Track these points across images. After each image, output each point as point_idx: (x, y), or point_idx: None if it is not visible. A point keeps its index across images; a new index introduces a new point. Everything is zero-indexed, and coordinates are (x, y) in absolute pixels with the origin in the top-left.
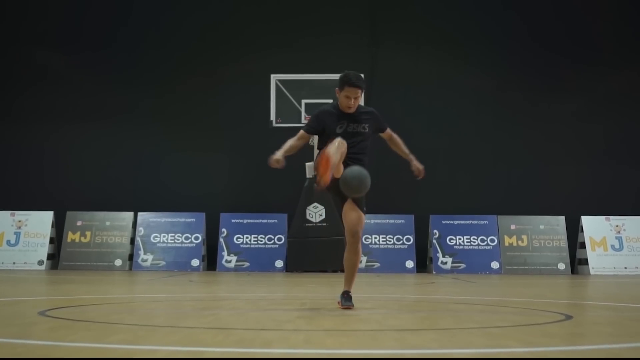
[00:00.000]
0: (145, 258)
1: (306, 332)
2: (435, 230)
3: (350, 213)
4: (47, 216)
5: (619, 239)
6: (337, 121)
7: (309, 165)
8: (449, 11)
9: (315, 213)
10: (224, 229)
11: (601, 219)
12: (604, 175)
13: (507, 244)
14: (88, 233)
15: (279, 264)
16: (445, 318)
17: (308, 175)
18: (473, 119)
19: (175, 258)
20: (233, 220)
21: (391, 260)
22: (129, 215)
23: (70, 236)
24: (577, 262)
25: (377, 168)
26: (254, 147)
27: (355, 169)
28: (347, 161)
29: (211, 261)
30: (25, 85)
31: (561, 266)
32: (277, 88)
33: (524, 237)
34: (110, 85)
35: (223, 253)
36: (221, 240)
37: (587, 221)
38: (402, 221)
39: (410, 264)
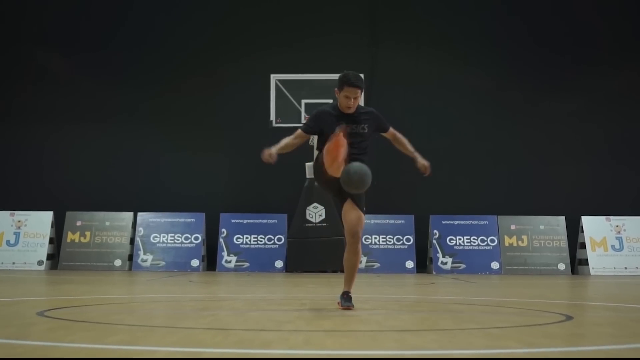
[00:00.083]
0: (145, 258)
1: (306, 333)
2: (435, 231)
3: (350, 213)
4: (47, 216)
5: (619, 239)
6: (335, 122)
7: (308, 165)
8: (449, 11)
9: (315, 213)
10: (223, 229)
11: (601, 219)
12: (604, 175)
13: (507, 244)
14: (88, 233)
15: (279, 264)
16: (445, 319)
17: (308, 176)
18: (473, 119)
19: (175, 258)
20: (233, 221)
21: (391, 260)
22: (129, 215)
23: (69, 236)
24: (577, 263)
25: (377, 168)
26: (253, 147)
27: (357, 165)
28: (347, 161)
29: (211, 261)
30: (25, 85)
31: (561, 266)
32: (277, 88)
33: (524, 237)
34: (110, 85)
35: (223, 253)
36: (221, 240)
37: (587, 221)
38: (402, 221)
39: (410, 264)
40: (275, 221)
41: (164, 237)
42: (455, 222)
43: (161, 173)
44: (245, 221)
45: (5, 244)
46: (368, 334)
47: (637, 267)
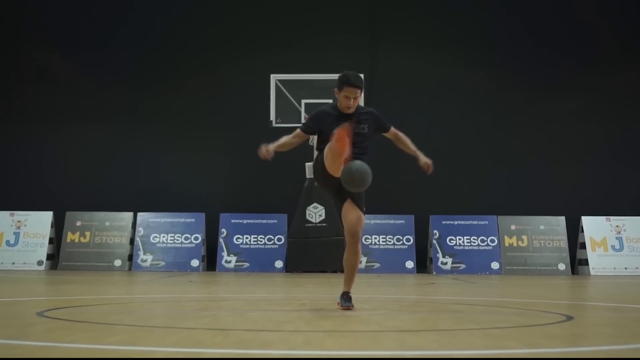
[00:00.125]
0: (145, 258)
1: (306, 333)
2: (435, 231)
3: (350, 213)
4: (47, 216)
5: (620, 239)
6: (335, 122)
7: (308, 165)
8: (449, 11)
9: (315, 213)
10: (223, 229)
11: (601, 219)
12: (604, 175)
13: (507, 244)
14: (87, 233)
15: (279, 264)
16: (445, 319)
17: (308, 176)
18: (473, 119)
19: (175, 258)
20: (233, 221)
21: (391, 260)
22: (129, 215)
23: (69, 236)
24: (577, 263)
25: (377, 168)
26: (253, 147)
27: (357, 163)
28: (348, 160)
29: (211, 261)
30: (25, 85)
31: (561, 267)
32: (277, 88)
33: (524, 237)
34: (110, 85)
35: (223, 253)
36: (221, 240)
37: (587, 221)
38: (402, 221)
39: (410, 264)
40: (275, 221)
41: (163, 237)
42: (455, 222)
43: (161, 173)
44: (245, 221)
45: (5, 244)
46: (368, 334)
47: (637, 267)
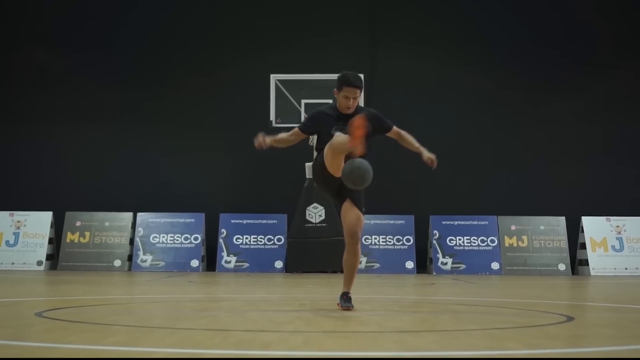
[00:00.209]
0: (145, 259)
1: (305, 334)
2: (435, 231)
3: (349, 214)
4: (46, 216)
5: (620, 239)
6: (333, 122)
7: (308, 165)
8: (449, 11)
9: (315, 213)
10: (223, 230)
11: (602, 219)
12: (605, 175)
13: (507, 244)
14: (87, 233)
15: (279, 264)
16: (445, 319)
17: (308, 176)
18: (473, 119)
19: (175, 259)
20: (232, 221)
21: (391, 261)
22: (128, 215)
23: (69, 236)
24: (577, 263)
25: (377, 168)
26: (253, 147)
27: (358, 160)
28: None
29: (210, 262)
30: (25, 85)
31: (561, 267)
32: (277, 88)
33: (524, 237)
34: (110, 85)
35: (222, 253)
36: (220, 240)
37: (587, 222)
38: (402, 222)
39: (410, 264)
40: (275, 221)
41: (163, 237)
42: (456, 223)
43: (161, 173)
44: (245, 221)
45: (5, 244)
46: (368, 335)
47: (637, 268)
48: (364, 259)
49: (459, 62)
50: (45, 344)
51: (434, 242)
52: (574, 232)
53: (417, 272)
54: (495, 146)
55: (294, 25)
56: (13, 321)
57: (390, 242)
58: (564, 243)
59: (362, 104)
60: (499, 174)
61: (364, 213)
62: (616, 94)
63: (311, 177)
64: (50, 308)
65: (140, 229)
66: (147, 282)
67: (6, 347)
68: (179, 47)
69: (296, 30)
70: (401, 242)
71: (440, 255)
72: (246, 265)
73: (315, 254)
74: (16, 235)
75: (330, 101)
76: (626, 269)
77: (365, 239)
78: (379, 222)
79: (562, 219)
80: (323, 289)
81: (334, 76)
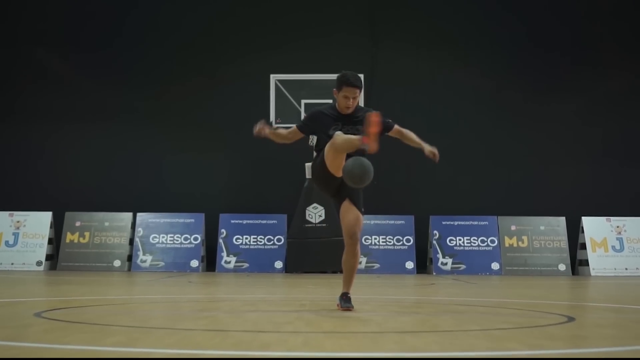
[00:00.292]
0: (144, 259)
1: (305, 335)
2: (435, 231)
3: (348, 214)
4: (46, 217)
5: (620, 239)
6: (331, 123)
7: (308, 165)
8: (448, 11)
9: (315, 214)
10: (223, 230)
11: (602, 219)
12: (605, 175)
13: (507, 244)
14: (87, 234)
15: (279, 264)
16: (446, 320)
17: (308, 176)
18: (473, 119)
19: (175, 259)
20: (232, 221)
21: (391, 261)
22: (128, 215)
23: (68, 237)
24: (577, 263)
25: (376, 169)
26: (253, 147)
27: (359, 159)
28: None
29: (210, 262)
30: (24, 85)
31: (562, 267)
32: (277, 88)
33: (525, 238)
34: (110, 85)
35: (222, 254)
36: (220, 241)
37: (587, 222)
38: (402, 222)
39: (410, 265)
40: (274, 222)
41: (163, 237)
42: (456, 223)
43: (160, 173)
44: (244, 222)
45: (4, 245)
46: (368, 335)
47: (637, 268)
48: (363, 259)
49: (459, 62)
50: (43, 344)
51: (434, 242)
52: (574, 232)
53: (417, 273)
54: (496, 146)
55: (294, 25)
56: (12, 321)
57: (390, 242)
58: (564, 243)
59: (362, 104)
60: (499, 174)
61: (363, 213)
62: (616, 94)
63: (311, 177)
64: (49, 308)
65: (140, 229)
66: (146, 282)
67: (5, 348)
68: (178, 47)
69: (296, 30)
70: (401, 242)
71: (440, 255)
72: (246, 265)
73: (315, 254)
74: (16, 235)
75: (330, 101)
76: (626, 269)
77: (365, 239)
78: (379, 222)
79: (562, 219)
80: (323, 289)
81: (334, 76)
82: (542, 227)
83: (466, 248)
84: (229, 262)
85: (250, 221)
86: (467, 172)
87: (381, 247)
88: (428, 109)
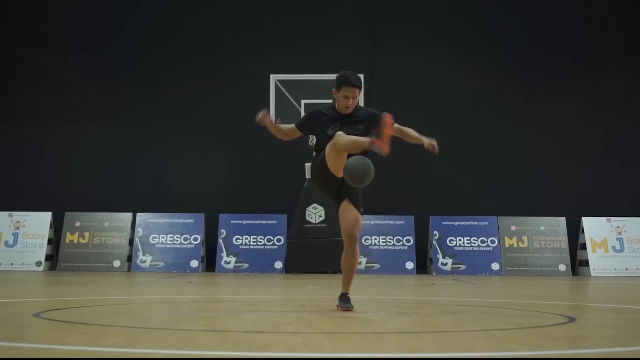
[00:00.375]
0: (144, 259)
1: (305, 335)
2: (435, 232)
3: (347, 214)
4: (46, 217)
5: (620, 240)
6: (330, 123)
7: (308, 166)
8: (449, 11)
9: (315, 214)
10: (223, 230)
11: (602, 220)
12: (605, 175)
13: (507, 245)
14: (86, 234)
15: (279, 265)
16: (446, 320)
17: (308, 176)
18: (473, 119)
19: (174, 259)
20: (232, 221)
21: (391, 261)
22: (128, 216)
23: (68, 237)
24: (577, 264)
25: (376, 169)
26: (253, 147)
27: (359, 158)
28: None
29: (210, 262)
30: (24, 85)
31: (562, 267)
32: (277, 88)
33: (525, 238)
34: (110, 85)
35: (222, 254)
36: (220, 241)
37: (587, 222)
38: (402, 222)
39: (410, 265)
40: (274, 222)
41: (163, 237)
42: (456, 223)
43: (160, 173)
44: (244, 222)
45: (4, 245)
46: (368, 336)
47: (637, 268)
48: (363, 260)
49: (459, 62)
50: (42, 345)
51: (434, 242)
52: (575, 232)
53: (417, 273)
54: (496, 146)
55: (294, 25)
56: (10, 322)
57: (390, 242)
58: (564, 243)
59: (362, 104)
60: (499, 174)
61: (362, 213)
62: (616, 94)
63: (310, 177)
64: (49, 309)
65: (139, 229)
66: (146, 282)
67: (3, 349)
68: (178, 47)
69: (296, 31)
70: (401, 242)
71: (440, 255)
72: (246, 265)
73: (315, 254)
74: (15, 235)
75: (330, 101)
76: (627, 269)
77: (365, 240)
78: (378, 222)
79: (563, 219)
80: (323, 289)
81: (334, 76)
82: (542, 228)
83: (466, 248)
84: (229, 263)
85: (250, 221)
86: (467, 172)
87: (381, 248)
88: (428, 109)
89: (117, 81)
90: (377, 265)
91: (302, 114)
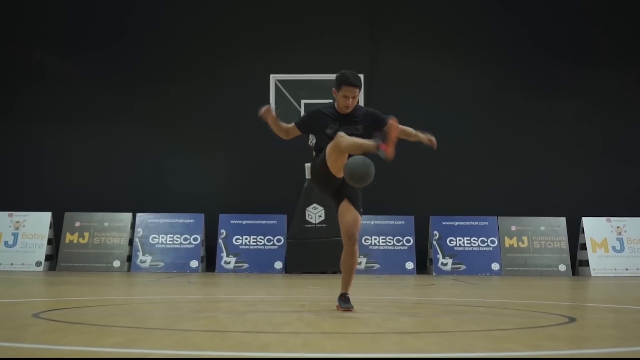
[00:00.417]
0: (144, 259)
1: (305, 335)
2: (435, 232)
3: (346, 215)
4: (45, 217)
5: (620, 240)
6: (329, 122)
7: (308, 166)
8: (449, 11)
9: (315, 214)
10: (222, 230)
11: (602, 220)
12: (605, 176)
13: (507, 245)
14: (86, 234)
15: (278, 265)
16: (446, 320)
17: (308, 176)
18: (473, 120)
19: (174, 259)
20: (232, 221)
21: (391, 261)
22: (128, 216)
23: (68, 237)
24: (578, 264)
25: (376, 169)
26: (253, 147)
27: (360, 158)
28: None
29: (210, 262)
30: (24, 85)
31: (562, 267)
32: (277, 88)
33: (525, 238)
34: (109, 85)
35: (222, 254)
36: (220, 241)
37: (588, 222)
38: (402, 222)
39: (410, 265)
40: (274, 222)
41: (162, 238)
42: (456, 223)
43: (160, 174)
44: (244, 222)
45: (4, 245)
46: (368, 336)
47: (638, 269)
48: (363, 260)
49: (459, 62)
50: (41, 345)
51: (434, 242)
52: (575, 232)
53: (417, 273)
54: (496, 147)
55: (294, 25)
56: (9, 322)
57: (390, 242)
58: (564, 244)
59: (362, 104)
60: (499, 174)
61: (362, 214)
62: (616, 95)
63: (310, 177)
64: (48, 309)
65: (139, 229)
66: (146, 282)
67: (2, 349)
68: (178, 48)
69: (296, 31)
70: (401, 242)
71: (440, 255)
72: (246, 265)
73: (315, 254)
74: (15, 235)
75: (331, 101)
76: (627, 269)
77: (365, 240)
78: (378, 222)
79: (563, 219)
80: (323, 289)
81: (334, 76)
82: (542, 228)
83: (466, 248)
84: (229, 263)
85: (250, 221)
86: (467, 172)
87: (381, 248)
88: (428, 109)
89: (117, 81)
90: (377, 266)
91: (302, 114)
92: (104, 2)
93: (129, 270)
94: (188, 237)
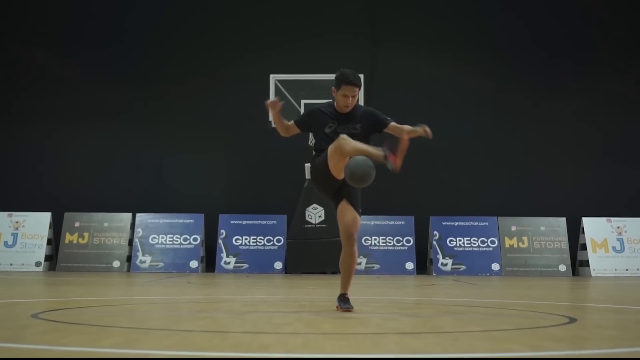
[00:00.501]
0: (144, 259)
1: (305, 336)
2: (435, 232)
3: (345, 215)
4: (45, 217)
5: (620, 240)
6: (328, 121)
7: (308, 166)
8: (449, 11)
9: (315, 214)
10: (222, 230)
11: (602, 220)
12: (605, 176)
13: (507, 245)
14: (86, 234)
15: (278, 265)
16: (446, 321)
17: (308, 177)
18: (473, 120)
19: (174, 259)
20: (232, 222)
21: (391, 261)
22: (127, 216)
23: (68, 237)
24: (578, 264)
25: (376, 169)
26: (252, 148)
27: (361, 159)
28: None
29: (210, 263)
30: (24, 85)
31: (562, 268)
32: (277, 88)
33: (525, 238)
34: (110, 85)
35: (222, 254)
36: (220, 241)
37: (588, 222)
38: (402, 222)
39: (410, 265)
40: (274, 222)
41: (162, 238)
42: (456, 224)
43: (160, 174)
44: (244, 222)
45: (3, 245)
46: (368, 336)
47: (638, 269)
48: (363, 260)
49: (459, 62)
50: (40, 345)
51: (434, 243)
52: (575, 233)
53: (417, 273)
54: (496, 147)
55: (294, 25)
56: (9, 323)
57: (390, 243)
58: (564, 244)
59: (362, 103)
60: (499, 174)
61: (360, 214)
62: (616, 95)
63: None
64: (47, 309)
65: (139, 229)
66: (145, 283)
67: (1, 349)
68: (178, 48)
69: (296, 31)
70: (401, 243)
71: (440, 256)
72: (245, 266)
73: (315, 255)
74: (15, 236)
75: (331, 101)
76: (627, 270)
77: (365, 240)
78: (378, 222)
79: (563, 219)
80: (323, 290)
81: (334, 76)
82: (542, 228)
83: (466, 249)
84: (229, 263)
85: (250, 222)
86: (467, 172)
87: (381, 248)
88: (428, 109)
89: (117, 81)
90: (377, 266)
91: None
92: (104, 2)
93: (128, 270)
94: (188, 237)
